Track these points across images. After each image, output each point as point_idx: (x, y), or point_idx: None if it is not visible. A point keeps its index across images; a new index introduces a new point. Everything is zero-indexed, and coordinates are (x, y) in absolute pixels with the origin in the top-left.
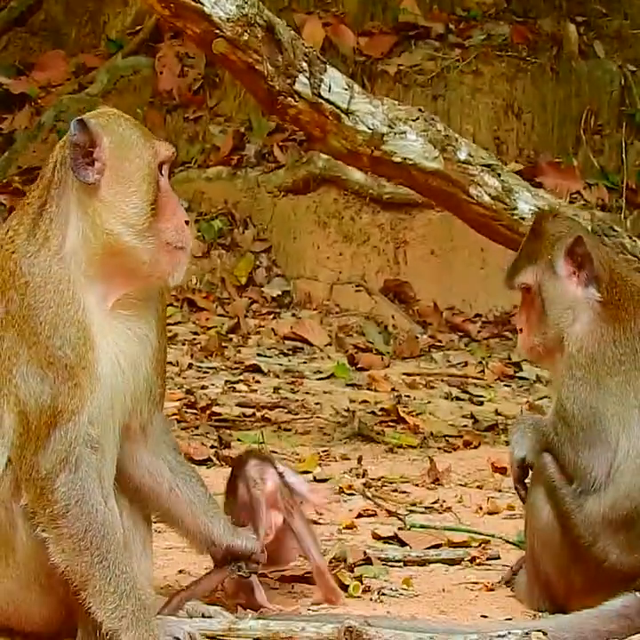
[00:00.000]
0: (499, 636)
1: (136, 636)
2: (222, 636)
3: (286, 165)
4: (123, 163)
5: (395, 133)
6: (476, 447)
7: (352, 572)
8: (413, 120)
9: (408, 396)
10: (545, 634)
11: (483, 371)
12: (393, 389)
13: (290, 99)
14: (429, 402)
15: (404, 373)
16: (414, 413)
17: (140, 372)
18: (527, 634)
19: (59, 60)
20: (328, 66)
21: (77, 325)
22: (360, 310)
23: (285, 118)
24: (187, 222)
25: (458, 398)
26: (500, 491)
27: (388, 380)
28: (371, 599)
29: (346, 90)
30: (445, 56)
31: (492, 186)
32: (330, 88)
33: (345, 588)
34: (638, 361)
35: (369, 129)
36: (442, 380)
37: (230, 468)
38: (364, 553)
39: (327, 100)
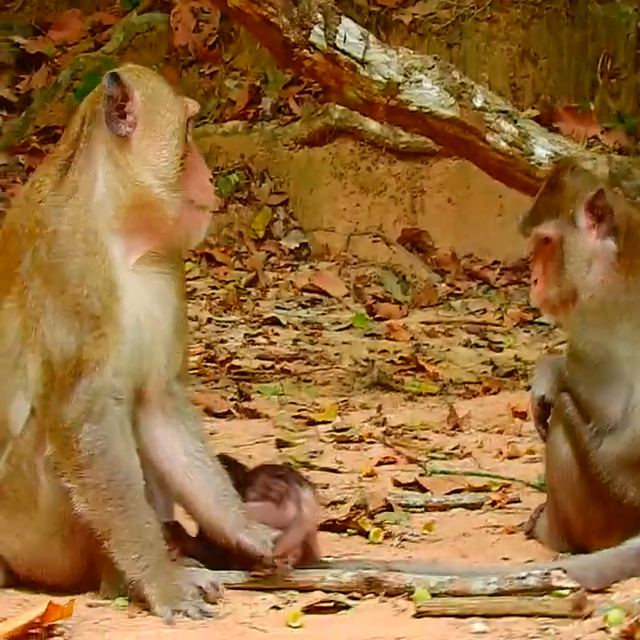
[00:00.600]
0: (519, 577)
1: (159, 585)
2: (243, 587)
3: (302, 118)
4: (154, 116)
5: (410, 82)
6: (495, 393)
7: (373, 518)
8: (429, 68)
9: (427, 345)
10: (565, 572)
11: (502, 317)
12: (412, 338)
13: (305, 50)
14: (448, 349)
15: (422, 322)
16: (433, 361)
17: (158, 331)
18: (547, 574)
19: (74, 18)
20: (343, 16)
21: (104, 276)
22: (378, 261)
23: (301, 70)
24: (211, 181)
25: (477, 345)
26: (520, 435)
27: (406, 330)
28: (392, 545)
29: (361, 40)
30: (460, 4)
31: (508, 132)
32: (345, 39)
33: (366, 534)
34: None
35: (384, 78)
36: (461, 328)
37: (265, 467)
38: (385, 500)
39: (342, 51)
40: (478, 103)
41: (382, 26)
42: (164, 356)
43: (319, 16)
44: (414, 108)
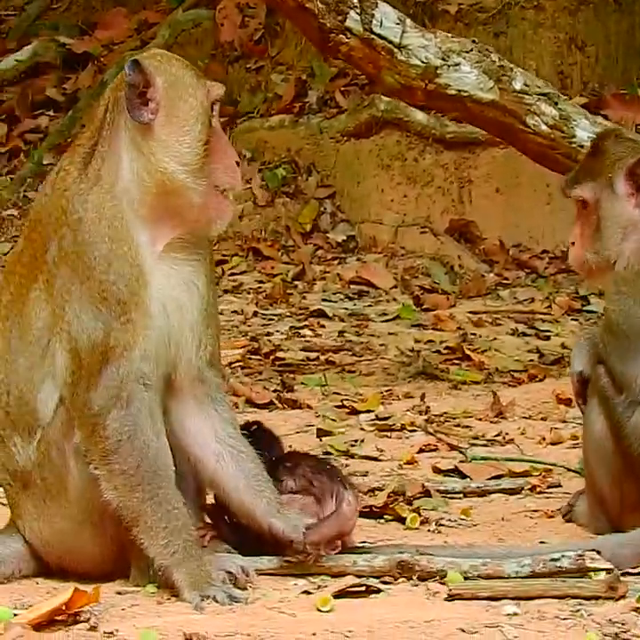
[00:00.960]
0: (552, 558)
1: (188, 571)
2: (274, 572)
3: (348, 110)
4: (176, 102)
5: (448, 66)
6: (541, 380)
7: (410, 505)
8: (467, 52)
9: (474, 334)
10: (599, 553)
11: (550, 306)
12: (458, 328)
13: (341, 36)
14: (495, 338)
15: (469, 312)
16: (479, 350)
17: (185, 318)
18: (581, 556)
19: (120, 17)
20: (379, 1)
21: (131, 262)
22: (426, 252)
23: (338, 56)
24: (238, 163)
25: (524, 334)
26: (564, 422)
27: (453, 320)
28: (428, 530)
29: (397, 24)
30: None
31: (549, 114)
32: (381, 23)
33: (402, 520)
34: None
35: (422, 62)
36: (508, 317)
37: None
38: (423, 485)
39: (379, 36)
40: (518, 86)
41: (428, 16)
42: (194, 342)
43: (355, 1)
44: (453, 92)
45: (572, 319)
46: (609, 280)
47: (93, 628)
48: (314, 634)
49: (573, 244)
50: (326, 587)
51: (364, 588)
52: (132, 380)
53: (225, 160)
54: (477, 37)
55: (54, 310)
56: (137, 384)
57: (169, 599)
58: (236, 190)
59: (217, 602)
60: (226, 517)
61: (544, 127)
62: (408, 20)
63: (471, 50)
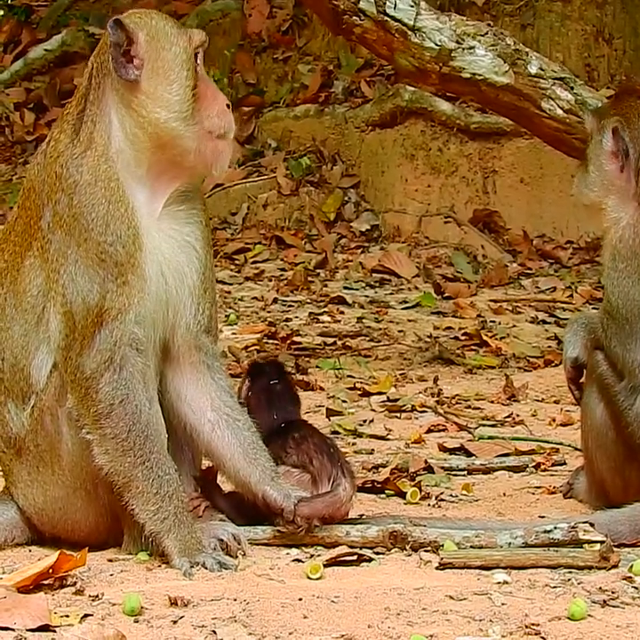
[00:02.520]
0: (545, 531)
1: (178, 537)
2: (268, 542)
3: (373, 100)
4: (160, 53)
5: (463, 49)
6: (556, 365)
7: (413, 480)
8: (482, 35)
9: (493, 322)
10: (592, 525)
11: (571, 295)
12: (478, 316)
13: (355, 17)
14: (514, 326)
15: (490, 300)
16: (497, 337)
17: (184, 282)
18: (574, 527)
19: (150, 8)
20: None
21: (128, 224)
22: (449, 241)
23: (352, 37)
24: (228, 106)
25: (544, 322)
26: (577, 405)
27: (473, 307)
28: (428, 505)
29: (412, 6)
30: None
31: (564, 99)
32: (395, 5)
33: (403, 495)
34: None
35: (436, 45)
36: (529, 306)
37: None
38: (425, 461)
39: (393, 18)
40: (533, 70)
41: (456, 7)
42: (192, 306)
43: None
44: (467, 76)
45: (593, 308)
46: (606, 255)
47: (79, 592)
48: (300, 599)
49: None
50: (319, 556)
51: (355, 557)
52: (125, 343)
53: (214, 105)
54: (504, 29)
55: (49, 275)
56: (130, 348)
57: (159, 566)
58: (231, 133)
59: (206, 568)
60: (220, 488)
61: (559, 111)
62: (422, 3)
63: (486, 33)
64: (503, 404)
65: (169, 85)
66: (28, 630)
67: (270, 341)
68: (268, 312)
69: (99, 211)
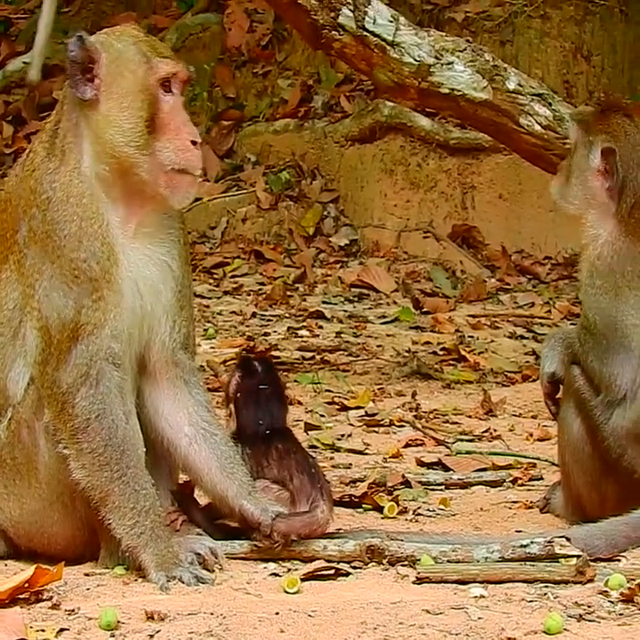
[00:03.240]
0: (521, 545)
1: (155, 551)
2: (245, 557)
3: (353, 115)
4: (116, 78)
5: (442, 64)
6: (534, 380)
7: (390, 495)
8: (461, 51)
9: (471, 337)
10: (568, 540)
11: (549, 310)
12: (456, 331)
13: (334, 32)
14: (492, 341)
15: (469, 315)
16: (476, 352)
17: (159, 299)
18: (550, 542)
19: (130, 21)
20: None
21: (102, 240)
22: (428, 256)
23: (331, 52)
24: (194, 143)
25: (522, 337)
26: (554, 420)
27: (452, 322)
28: (406, 519)
29: (391, 22)
30: (513, 1)
31: (542, 115)
32: (374, 20)
33: (381, 509)
34: None
35: (415, 60)
36: (507, 321)
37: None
38: (403, 476)
39: (372, 33)
40: (511, 86)
41: (435, 24)
42: (168, 324)
43: None
44: (446, 91)
45: (571, 323)
46: (584, 271)
47: (55, 606)
48: (277, 613)
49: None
50: (296, 570)
51: (332, 571)
52: (101, 358)
53: (175, 141)
54: (483, 45)
55: (25, 289)
56: (107, 363)
57: (136, 580)
58: (193, 169)
59: (183, 582)
60: (197, 502)
61: (538, 127)
62: (402, 18)
63: (465, 49)
64: (481, 419)
65: (122, 111)
66: None
67: (248, 356)
68: (247, 326)
69: (71, 228)
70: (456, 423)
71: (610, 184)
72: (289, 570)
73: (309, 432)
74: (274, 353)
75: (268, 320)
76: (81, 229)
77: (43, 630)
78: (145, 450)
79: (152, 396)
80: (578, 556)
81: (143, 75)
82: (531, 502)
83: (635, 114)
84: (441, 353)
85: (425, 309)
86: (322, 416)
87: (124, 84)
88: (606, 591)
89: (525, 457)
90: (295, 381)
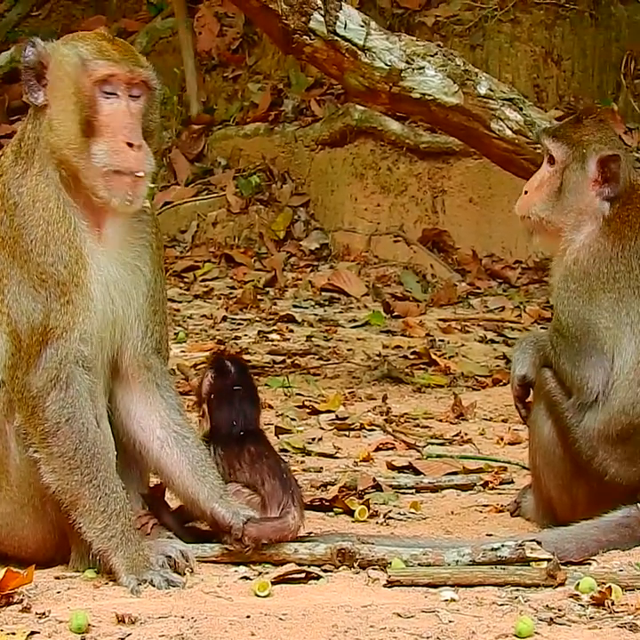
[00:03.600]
0: (492, 548)
1: (125, 555)
2: (216, 560)
3: (323, 119)
4: (58, 82)
5: (413, 69)
6: (504, 384)
7: (361, 498)
8: (432, 55)
9: (442, 341)
10: (539, 544)
11: (520, 315)
12: (427, 334)
13: (305, 37)
14: (463, 345)
15: (439, 319)
16: (446, 356)
17: (131, 304)
18: (521, 545)
19: (100, 25)
20: (343, 3)
21: (69, 243)
22: (399, 260)
23: (302, 57)
24: (130, 145)
25: (492, 341)
26: (525, 424)
27: (422, 326)
28: (377, 523)
29: (362, 26)
30: (483, 5)
31: (513, 120)
32: (345, 25)
33: (352, 513)
34: (633, 279)
35: (386, 65)
36: (478, 325)
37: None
38: (374, 480)
39: (343, 38)
40: (483, 91)
41: (405, 28)
42: (140, 328)
43: (319, 2)
44: (417, 96)
45: (541, 327)
46: (558, 275)
47: (26, 610)
48: (248, 616)
49: (526, 193)
50: (267, 573)
51: (303, 575)
52: (71, 361)
53: (110, 142)
54: (454, 50)
55: None
56: (77, 366)
57: (107, 583)
58: (129, 171)
59: (154, 586)
60: (168, 505)
61: (509, 132)
62: (373, 23)
63: (436, 54)
64: (451, 423)
65: (61, 116)
66: None
67: None
68: (217, 330)
69: (37, 232)
70: (427, 427)
71: (608, 190)
72: (260, 573)
73: (280, 436)
74: (244, 357)
75: (239, 324)
76: (47, 234)
77: (13, 633)
78: (116, 453)
79: (124, 400)
80: (548, 560)
81: (78, 77)
82: (501, 506)
83: (607, 119)
84: (411, 357)
85: (395, 313)
86: (292, 420)
87: (63, 88)
88: (577, 595)
89: (496, 460)
90: (266, 385)
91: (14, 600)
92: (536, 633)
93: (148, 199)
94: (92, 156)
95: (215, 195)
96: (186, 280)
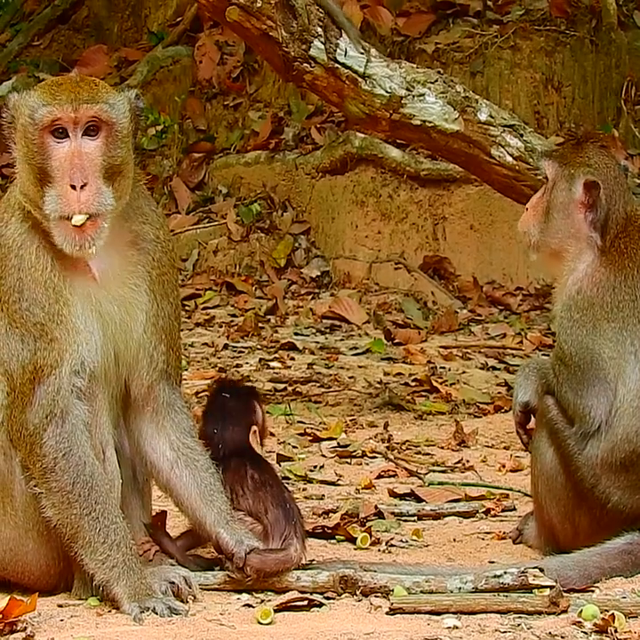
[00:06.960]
0: (495, 576)
1: (128, 583)
2: (219, 587)
3: (323, 146)
4: (17, 134)
5: (413, 96)
6: (506, 411)
7: (363, 526)
8: (432, 82)
9: (443, 368)
10: (541, 571)
11: (521, 341)
12: (428, 362)
13: (305, 64)
14: (464, 372)
15: (440, 346)
16: (447, 383)
17: (130, 336)
18: (523, 572)
19: (101, 54)
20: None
21: (44, 285)
22: (400, 288)
23: (302, 84)
24: (73, 187)
25: (494, 368)
26: (527, 451)
27: (423, 354)
28: (379, 550)
29: (362, 54)
30: (483, 32)
31: (514, 146)
32: (346, 52)
33: (354, 540)
34: (637, 308)
35: (386, 92)
36: (479, 352)
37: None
38: (376, 507)
39: (343, 65)
40: (483, 117)
41: (406, 56)
42: (144, 361)
43: (319, 29)
44: (418, 123)
45: (543, 354)
46: (560, 304)
47: (30, 638)
48: None
49: (527, 210)
50: (269, 601)
51: (306, 602)
52: (64, 395)
53: (58, 186)
54: (454, 77)
55: None
56: (72, 398)
57: (110, 611)
58: (71, 214)
59: (156, 613)
60: (168, 534)
61: (509, 158)
62: (373, 50)
63: (436, 80)
64: (453, 450)
65: (21, 165)
66: None
67: None
68: (219, 358)
69: (10, 280)
70: (428, 454)
71: (593, 216)
72: (262, 601)
73: (282, 463)
74: (246, 384)
75: (240, 352)
76: (20, 280)
77: None
78: (121, 481)
79: (137, 421)
80: (551, 587)
81: (27, 127)
82: (504, 533)
83: (608, 145)
84: (413, 384)
85: (397, 340)
86: (294, 447)
87: (19, 139)
88: (580, 622)
89: (498, 488)
90: (267, 413)
91: (18, 628)
92: None
93: (160, 228)
94: (44, 204)
95: (216, 223)
96: (187, 308)
